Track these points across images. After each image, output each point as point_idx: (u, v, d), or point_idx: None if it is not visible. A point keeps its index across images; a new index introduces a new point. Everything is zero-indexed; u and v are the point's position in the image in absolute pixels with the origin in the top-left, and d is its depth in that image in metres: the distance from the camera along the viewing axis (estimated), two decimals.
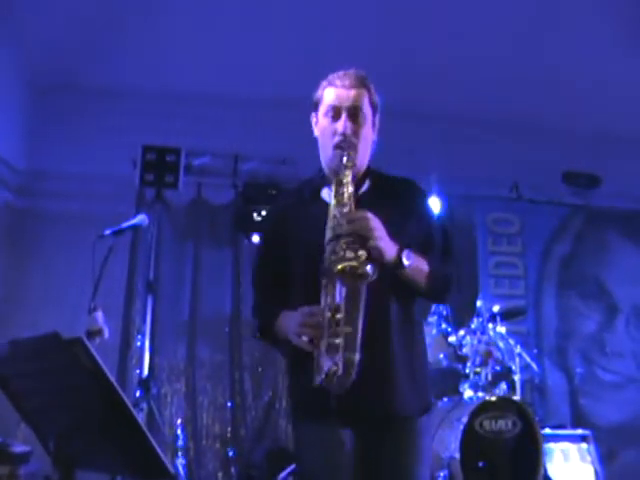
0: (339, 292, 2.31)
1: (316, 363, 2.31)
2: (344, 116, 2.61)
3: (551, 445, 5.50)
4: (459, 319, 5.92)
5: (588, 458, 5.58)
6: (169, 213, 7.08)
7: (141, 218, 4.53)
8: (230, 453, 6.63)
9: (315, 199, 2.72)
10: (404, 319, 2.61)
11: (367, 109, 2.66)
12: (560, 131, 7.47)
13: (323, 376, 2.26)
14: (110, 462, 2.33)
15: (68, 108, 6.91)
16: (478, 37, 6.43)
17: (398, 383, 2.52)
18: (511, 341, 5.94)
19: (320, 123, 2.72)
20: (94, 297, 3.97)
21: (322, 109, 2.70)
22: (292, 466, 5.25)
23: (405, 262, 2.42)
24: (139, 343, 6.66)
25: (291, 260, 2.65)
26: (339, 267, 2.23)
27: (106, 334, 3.90)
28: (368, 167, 2.75)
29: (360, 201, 2.54)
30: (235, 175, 7.33)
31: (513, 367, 5.74)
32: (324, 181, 2.72)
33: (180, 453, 6.45)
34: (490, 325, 5.83)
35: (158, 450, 2.06)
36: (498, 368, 5.56)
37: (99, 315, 3.86)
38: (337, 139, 2.60)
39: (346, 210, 2.41)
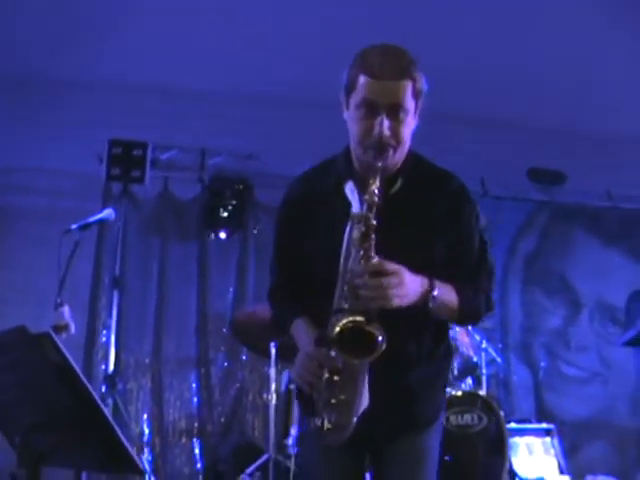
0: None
1: (316, 406, 2.23)
2: (383, 114, 2.22)
3: (516, 439, 5.56)
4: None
5: (552, 451, 5.65)
6: (136, 208, 7.03)
7: (108, 212, 4.52)
8: (197, 448, 6.61)
9: (337, 192, 2.36)
10: (430, 349, 2.47)
11: (409, 103, 2.28)
12: (525, 128, 7.51)
13: (319, 425, 2.20)
14: (78, 457, 2.32)
15: (32, 103, 6.84)
16: (444, 32, 6.44)
17: (420, 405, 2.44)
18: (476, 336, 5.98)
19: (352, 113, 2.31)
20: (60, 292, 3.95)
21: (355, 98, 2.27)
22: (260, 460, 5.25)
23: (431, 305, 2.20)
24: (105, 338, 6.62)
25: (308, 256, 2.45)
26: (338, 327, 2.03)
27: (72, 329, 3.88)
28: (405, 161, 2.43)
29: (389, 204, 2.22)
30: (202, 170, 7.30)
31: (478, 362, 5.78)
32: (350, 170, 2.40)
33: (146, 449, 6.44)
34: None
35: (127, 445, 2.06)
36: (464, 363, 5.59)
37: (65, 310, 3.84)
38: (372, 140, 2.23)
39: (361, 256, 2.10)
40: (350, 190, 2.32)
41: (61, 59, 6.68)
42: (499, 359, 6.46)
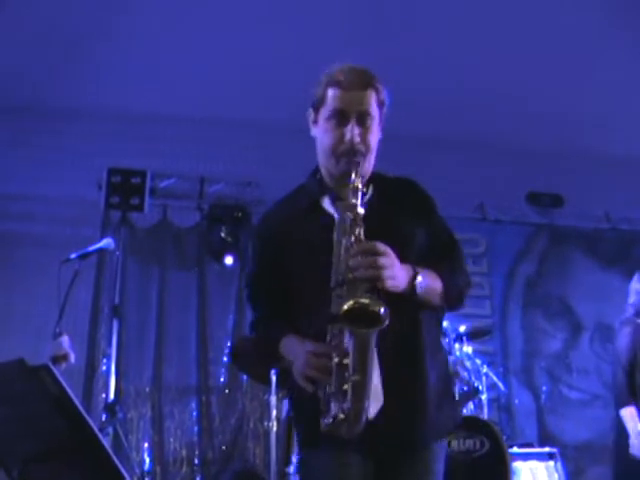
0: (348, 335, 2.10)
1: (323, 405, 2.16)
2: (352, 122, 2.37)
3: (519, 464, 5.52)
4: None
5: (555, 476, 5.61)
6: (135, 236, 7.04)
7: (107, 242, 4.52)
8: (198, 477, 6.58)
9: (315, 210, 2.47)
10: (434, 339, 2.48)
11: (374, 111, 2.44)
12: (524, 152, 7.55)
13: (330, 421, 2.13)
14: None
15: (33, 131, 6.88)
16: (443, 59, 6.48)
17: (430, 409, 2.37)
18: (477, 361, 5.96)
19: (322, 125, 2.45)
20: (59, 322, 3.94)
21: (325, 111, 2.43)
22: None
23: (418, 289, 2.25)
24: (105, 367, 6.60)
25: (293, 276, 2.44)
26: (346, 307, 2.03)
27: (72, 359, 3.86)
28: (371, 172, 2.53)
29: (366, 209, 2.27)
30: (201, 197, 7.33)
31: (480, 387, 5.75)
32: (323, 189, 2.50)
33: (147, 478, 6.40)
34: (457, 345, 5.85)
35: (126, 476, 2.05)
36: (465, 388, 5.57)
37: (65, 340, 3.83)
38: (344, 147, 2.37)
39: (353, 240, 2.18)
40: (329, 204, 2.43)
41: (61, 88, 6.72)
42: (500, 383, 6.44)
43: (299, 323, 2.39)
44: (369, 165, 2.49)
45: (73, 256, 4.19)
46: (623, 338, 4.90)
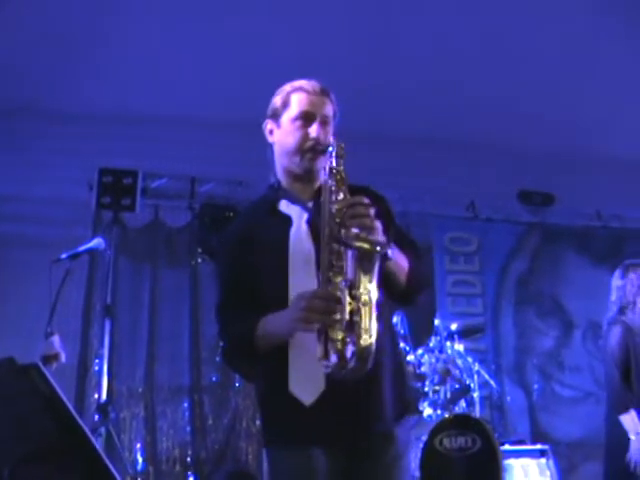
0: (351, 264, 2.12)
1: (321, 350, 2.12)
2: (317, 122, 2.51)
3: (511, 461, 5.53)
4: (417, 338, 5.94)
5: (547, 473, 5.62)
6: (126, 236, 7.03)
7: (97, 242, 4.53)
8: (190, 477, 6.57)
9: (274, 214, 2.55)
10: (389, 328, 2.52)
11: (331, 118, 2.58)
12: (515, 150, 7.57)
13: (336, 361, 2.09)
14: None
15: (23, 131, 6.86)
16: (432, 59, 6.49)
17: (386, 397, 2.39)
18: (469, 359, 5.98)
19: (284, 129, 2.57)
20: (50, 321, 3.95)
21: (289, 114, 2.55)
22: None
23: (390, 254, 2.24)
24: (97, 367, 6.58)
25: (258, 280, 2.48)
26: (357, 244, 2.09)
27: (63, 359, 3.87)
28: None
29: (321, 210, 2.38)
30: (192, 197, 7.33)
31: (472, 384, 5.77)
32: (281, 194, 2.59)
33: (140, 478, 6.39)
34: (448, 343, 5.86)
35: (117, 477, 2.04)
36: (457, 386, 5.58)
37: (56, 340, 3.84)
38: (311, 143, 2.49)
39: (341, 196, 2.28)
40: (285, 206, 2.53)
41: (52, 89, 6.72)
42: (492, 381, 6.45)
43: (262, 314, 2.39)
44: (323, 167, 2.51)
45: (64, 256, 4.20)
46: (613, 338, 4.85)
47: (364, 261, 2.11)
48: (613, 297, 5.08)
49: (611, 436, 4.89)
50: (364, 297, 2.09)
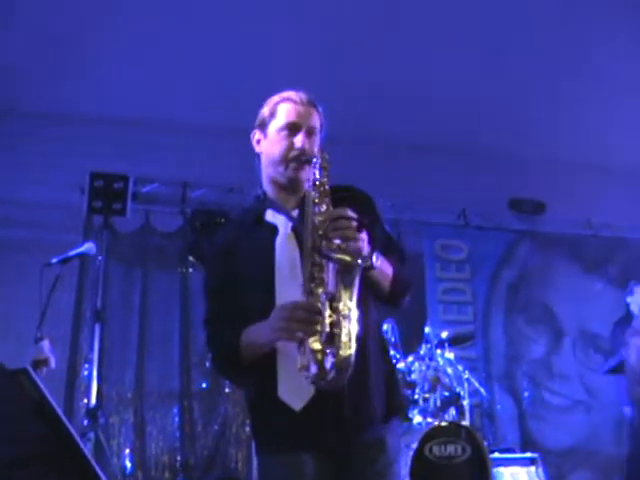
0: (332, 277, 2.17)
1: (301, 360, 2.15)
2: (303, 132, 2.53)
3: (501, 469, 5.54)
4: (407, 345, 5.95)
5: None
6: (117, 241, 7.01)
7: (88, 246, 4.52)
8: None
9: (260, 223, 2.57)
10: (377, 336, 2.54)
11: (318, 130, 2.60)
12: (506, 159, 7.59)
13: (315, 372, 2.12)
14: None
15: (14, 134, 6.84)
16: (425, 64, 6.50)
17: (375, 403, 2.41)
18: (459, 367, 5.98)
19: (271, 139, 2.60)
20: (41, 326, 3.93)
21: (275, 124, 2.58)
22: None
23: (375, 262, 2.27)
24: (86, 372, 6.56)
25: (245, 293, 2.50)
26: (338, 257, 2.13)
27: (52, 364, 3.85)
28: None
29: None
30: (183, 202, 7.32)
31: (462, 392, 5.77)
32: (266, 204, 2.61)
33: None
34: (438, 351, 5.87)
35: None
36: (447, 394, 5.59)
37: (46, 344, 3.82)
38: (295, 152, 2.51)
39: (324, 209, 2.32)
40: (272, 216, 2.55)
41: (43, 92, 6.70)
42: (482, 389, 6.46)
43: (248, 323, 2.41)
44: (308, 177, 2.53)
45: (54, 260, 4.19)
46: (636, 349, 4.98)
47: (345, 274, 2.16)
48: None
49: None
50: (344, 310, 2.14)
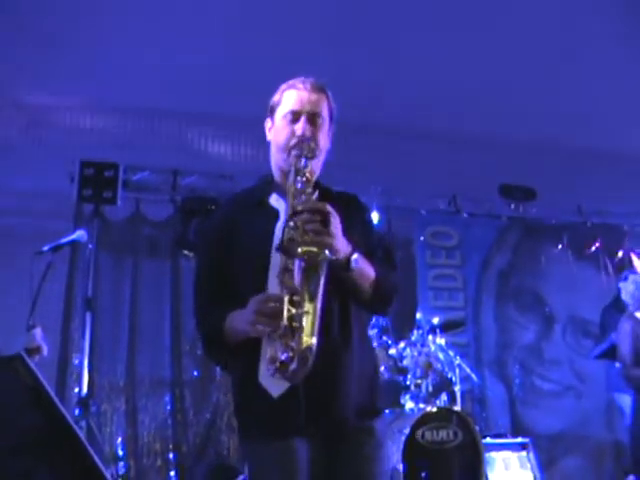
0: (297, 271, 2.22)
1: (268, 353, 2.20)
2: (303, 119, 2.56)
3: (492, 454, 5.57)
4: (399, 331, 5.96)
5: (528, 465, 5.67)
6: (107, 229, 7.00)
7: (79, 234, 4.50)
8: (172, 471, 6.56)
9: (262, 206, 2.59)
10: (362, 330, 2.57)
11: (326, 115, 2.62)
12: (496, 145, 7.59)
13: (277, 365, 2.16)
14: None
15: (4, 123, 6.80)
16: (415, 51, 6.50)
17: (353, 390, 2.43)
18: (451, 352, 6.01)
19: (277, 126, 2.63)
20: (32, 314, 3.92)
21: (280, 111, 2.62)
22: None
23: (353, 264, 2.34)
24: (77, 361, 6.55)
25: (239, 271, 2.53)
26: (300, 250, 2.19)
27: (45, 352, 3.85)
28: (317, 179, 2.65)
29: None
30: (174, 190, 7.30)
31: (453, 378, 5.80)
32: (272, 187, 2.64)
33: (121, 471, 6.37)
34: (430, 337, 5.89)
35: (102, 468, 2.04)
36: (438, 379, 5.61)
37: (37, 332, 3.82)
38: (295, 140, 2.53)
39: (306, 198, 2.36)
40: (276, 201, 2.57)
41: (33, 79, 6.66)
42: (474, 375, 6.48)
43: (238, 306, 2.41)
44: (316, 167, 2.60)
45: (45, 248, 4.17)
46: (623, 333, 5.05)
47: (309, 269, 2.21)
48: (628, 294, 5.27)
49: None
50: (305, 304, 2.18)
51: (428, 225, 8.06)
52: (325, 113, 2.62)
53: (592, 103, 7.12)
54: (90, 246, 6.66)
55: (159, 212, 7.27)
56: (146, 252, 7.18)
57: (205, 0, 5.97)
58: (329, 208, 2.30)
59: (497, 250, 8.21)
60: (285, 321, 2.17)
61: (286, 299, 2.19)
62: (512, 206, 8.26)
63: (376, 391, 2.57)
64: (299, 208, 2.29)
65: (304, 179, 2.41)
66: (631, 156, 7.87)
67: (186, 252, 7.11)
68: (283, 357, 2.15)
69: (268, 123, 2.70)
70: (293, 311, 2.18)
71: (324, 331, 2.26)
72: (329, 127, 2.66)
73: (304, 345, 2.14)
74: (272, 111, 2.67)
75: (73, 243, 4.58)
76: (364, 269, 2.42)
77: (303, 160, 2.46)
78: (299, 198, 2.36)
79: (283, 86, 2.67)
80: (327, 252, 2.19)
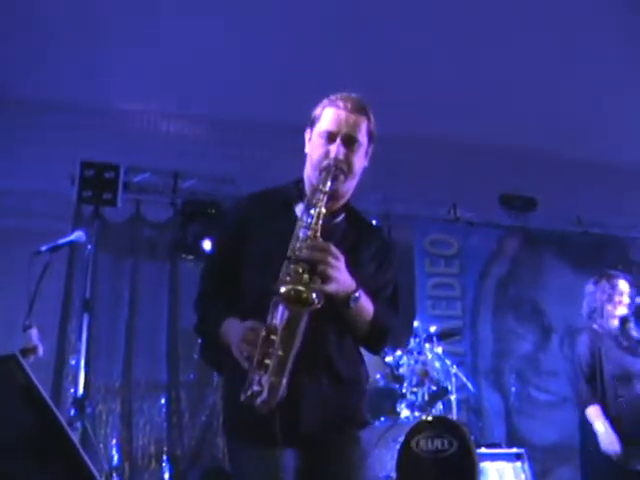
0: (281, 314, 2.24)
1: (248, 379, 2.25)
2: (339, 141, 2.52)
3: (487, 464, 5.56)
4: (396, 339, 5.95)
5: (522, 476, 5.66)
6: (107, 230, 6.99)
7: (78, 234, 4.50)
8: (166, 473, 6.55)
9: (287, 211, 2.62)
10: (345, 344, 2.58)
11: (363, 137, 2.59)
12: (497, 154, 7.59)
13: (248, 394, 2.23)
14: None
15: (4, 123, 6.80)
16: (416, 56, 6.50)
17: (337, 403, 2.50)
18: (447, 361, 6.00)
19: (313, 141, 2.61)
20: (29, 314, 3.92)
21: (318, 128, 2.60)
22: None
23: (352, 302, 2.38)
24: (74, 362, 6.54)
25: (248, 268, 2.56)
26: (284, 289, 2.18)
27: (41, 352, 3.85)
28: (348, 200, 2.68)
29: (332, 230, 2.52)
30: (174, 193, 7.29)
31: (449, 387, 5.79)
32: (301, 195, 2.63)
33: (115, 473, 6.36)
34: (427, 345, 5.88)
35: (94, 471, 2.03)
36: (434, 388, 5.61)
37: (34, 333, 3.82)
38: (327, 162, 2.51)
39: (310, 234, 2.33)
40: (301, 211, 2.50)
41: (34, 79, 6.66)
42: (470, 384, 6.47)
43: (246, 316, 2.43)
44: (348, 188, 2.61)
45: (44, 248, 4.17)
46: (580, 344, 4.98)
47: (291, 319, 2.22)
48: (584, 303, 5.20)
49: (583, 437, 4.99)
50: (280, 345, 2.22)
51: (428, 233, 8.05)
52: (362, 135, 2.58)
53: (593, 115, 7.14)
54: (89, 247, 6.65)
55: (159, 214, 7.26)
56: (145, 254, 7.17)
57: (211, 5, 5.98)
58: (328, 246, 2.31)
59: (496, 259, 8.20)
60: (259, 356, 2.23)
61: (262, 334, 2.24)
62: (512, 216, 8.24)
63: (362, 404, 2.62)
64: (294, 255, 2.29)
65: (314, 213, 2.37)
66: (631, 169, 7.88)
67: (185, 255, 7.11)
68: (254, 387, 2.22)
69: (307, 134, 2.67)
70: (265, 349, 2.23)
71: (311, 363, 2.37)
72: (367, 148, 2.64)
73: (270, 383, 2.20)
74: (312, 124, 2.65)
75: (72, 244, 4.58)
76: (364, 308, 2.46)
77: (329, 182, 2.44)
78: (305, 231, 2.34)
79: (325, 101, 2.64)
80: (314, 295, 2.18)
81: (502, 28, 6.27)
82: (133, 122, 6.92)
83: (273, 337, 2.22)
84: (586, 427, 4.82)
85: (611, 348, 4.88)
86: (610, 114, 7.22)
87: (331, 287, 2.29)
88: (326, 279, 2.27)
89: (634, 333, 4.96)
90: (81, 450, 2.06)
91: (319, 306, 2.19)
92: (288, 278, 2.23)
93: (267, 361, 2.21)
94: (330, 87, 2.71)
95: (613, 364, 4.82)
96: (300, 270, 2.24)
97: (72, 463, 2.05)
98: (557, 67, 6.67)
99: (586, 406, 4.77)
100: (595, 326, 5.01)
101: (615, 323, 4.97)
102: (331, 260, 2.28)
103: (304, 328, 2.24)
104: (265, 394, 2.20)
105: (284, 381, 2.22)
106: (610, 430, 4.63)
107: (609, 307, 5.01)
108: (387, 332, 2.59)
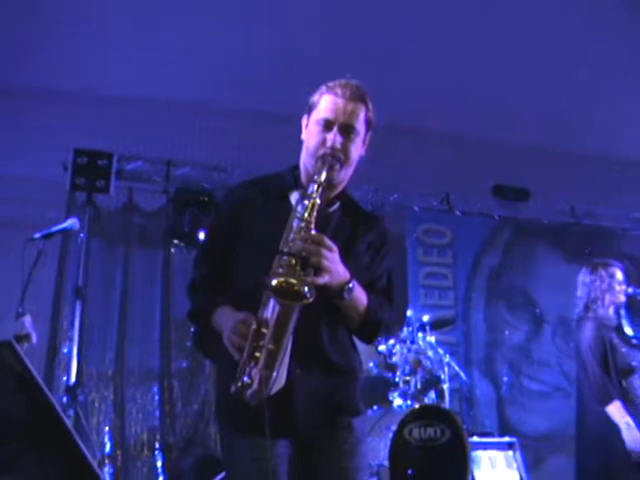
0: (272, 307, 2.23)
1: (239, 371, 2.26)
2: (336, 129, 2.52)
3: (479, 452, 5.57)
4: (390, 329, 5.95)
5: (514, 465, 5.67)
6: (100, 218, 6.96)
7: (71, 222, 4.49)
8: (159, 461, 6.55)
9: (282, 199, 2.61)
10: (338, 333, 2.58)
11: (361, 126, 2.57)
12: (491, 145, 7.60)
13: (238, 385, 2.23)
14: (38, 470, 2.28)
15: None
16: (413, 48, 6.50)
17: (331, 392, 2.51)
18: (440, 350, 6.01)
19: (310, 128, 2.60)
20: (22, 302, 3.91)
21: (315, 115, 2.58)
22: (222, 474, 5.21)
23: (346, 294, 2.39)
24: (66, 349, 6.53)
25: (241, 256, 2.56)
26: (275, 282, 2.17)
27: (34, 339, 3.84)
28: (344, 188, 2.68)
29: (328, 219, 2.55)
30: (167, 181, 7.28)
31: (442, 376, 5.81)
32: (296, 183, 2.63)
33: (107, 461, 6.36)
34: (420, 334, 5.89)
35: (89, 458, 2.03)
36: (427, 377, 5.62)
37: (27, 320, 3.81)
38: (323, 150, 2.51)
39: (303, 225, 2.31)
40: (296, 200, 2.51)
41: (27, 67, 6.64)
42: (462, 373, 6.49)
43: (239, 303, 2.44)
44: (344, 176, 2.60)
45: (37, 235, 4.16)
46: (588, 332, 4.86)
47: (282, 313, 2.21)
48: (580, 293, 5.12)
49: (585, 429, 4.92)
50: (271, 339, 2.21)
51: (421, 223, 8.06)
52: (360, 124, 2.57)
53: (587, 106, 7.15)
54: (82, 235, 6.63)
55: (152, 202, 7.25)
56: (138, 242, 7.16)
57: None
58: (322, 238, 2.31)
59: (489, 249, 8.22)
60: (249, 348, 2.23)
61: (253, 328, 2.24)
62: (505, 206, 8.26)
63: (356, 393, 2.62)
64: (287, 248, 2.29)
65: (310, 204, 2.35)
66: (625, 160, 7.90)
67: (177, 242, 7.10)
68: (244, 379, 2.23)
69: (305, 120, 2.66)
70: (255, 342, 2.23)
71: (304, 354, 2.38)
72: (364, 136, 2.62)
73: (261, 376, 2.20)
74: (309, 110, 2.63)
75: (65, 231, 4.56)
76: (357, 299, 2.47)
77: (324, 172, 2.44)
78: (299, 222, 2.33)
79: (324, 87, 2.62)
80: (305, 289, 2.17)
81: (497, 21, 6.26)
82: (126, 110, 6.87)
83: (264, 330, 2.22)
84: (591, 422, 4.75)
85: (616, 339, 4.83)
86: (603, 107, 7.23)
87: (324, 279, 2.29)
88: (319, 271, 2.27)
89: (626, 324, 4.94)
90: (77, 437, 2.06)
91: (311, 300, 2.17)
92: (280, 270, 2.22)
93: (257, 354, 2.22)
94: (324, 76, 2.70)
95: (621, 357, 4.76)
96: (293, 262, 2.23)
97: (68, 450, 2.05)
98: (550, 59, 6.67)
99: (608, 402, 4.61)
100: (597, 316, 4.93)
101: (611, 312, 4.94)
102: (324, 252, 2.28)
103: (296, 320, 2.23)
104: (255, 386, 2.21)
105: (274, 374, 2.22)
106: (636, 428, 4.57)
107: (609, 296, 4.97)
108: (380, 323, 2.59)
